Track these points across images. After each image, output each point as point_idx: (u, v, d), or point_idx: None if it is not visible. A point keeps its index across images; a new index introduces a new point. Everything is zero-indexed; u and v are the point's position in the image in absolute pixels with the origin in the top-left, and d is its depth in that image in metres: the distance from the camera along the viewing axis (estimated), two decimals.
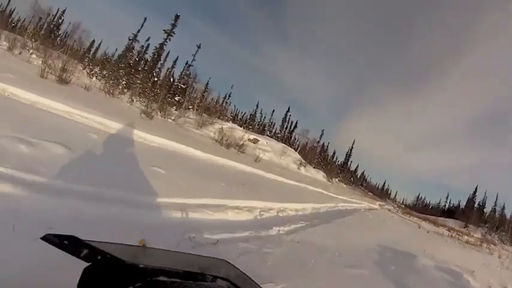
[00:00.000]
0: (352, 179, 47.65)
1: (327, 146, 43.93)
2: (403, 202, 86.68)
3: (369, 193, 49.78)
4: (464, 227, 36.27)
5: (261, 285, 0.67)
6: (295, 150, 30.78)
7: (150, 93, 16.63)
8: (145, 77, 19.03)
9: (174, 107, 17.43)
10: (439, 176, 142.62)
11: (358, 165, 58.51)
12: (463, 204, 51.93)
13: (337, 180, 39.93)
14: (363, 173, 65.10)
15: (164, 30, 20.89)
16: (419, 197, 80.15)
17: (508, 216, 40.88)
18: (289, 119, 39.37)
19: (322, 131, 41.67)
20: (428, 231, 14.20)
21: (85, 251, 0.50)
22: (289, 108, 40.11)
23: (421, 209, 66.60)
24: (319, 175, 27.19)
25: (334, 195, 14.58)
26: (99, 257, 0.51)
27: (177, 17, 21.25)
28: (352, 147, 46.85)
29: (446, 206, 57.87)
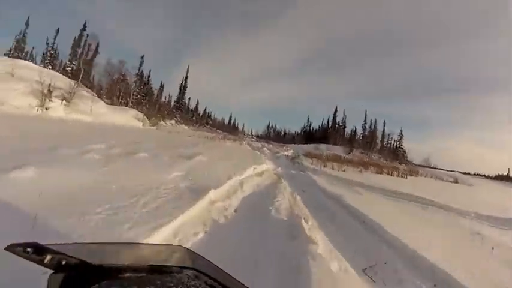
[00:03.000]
0: (194, 118, 45.63)
1: (149, 77, 35.33)
2: (252, 134, 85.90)
3: (218, 130, 49.11)
4: (349, 153, 32.62)
5: (225, 271, 0.66)
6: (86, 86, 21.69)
7: None
8: None
9: None
10: (283, 104, 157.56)
11: (198, 102, 53.45)
12: (318, 125, 55.59)
13: (173, 121, 33.41)
14: (205, 110, 60.25)
15: None
16: (270, 125, 79.88)
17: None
18: (85, 43, 28.80)
19: (142, 57, 32.46)
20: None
21: (48, 257, 0.47)
22: (85, 25, 28.35)
23: (275, 137, 68.37)
24: (127, 116, 20.64)
25: None
26: (63, 262, 0.49)
27: None
28: (186, 78, 40.94)
29: (312, 129, 58.97)
